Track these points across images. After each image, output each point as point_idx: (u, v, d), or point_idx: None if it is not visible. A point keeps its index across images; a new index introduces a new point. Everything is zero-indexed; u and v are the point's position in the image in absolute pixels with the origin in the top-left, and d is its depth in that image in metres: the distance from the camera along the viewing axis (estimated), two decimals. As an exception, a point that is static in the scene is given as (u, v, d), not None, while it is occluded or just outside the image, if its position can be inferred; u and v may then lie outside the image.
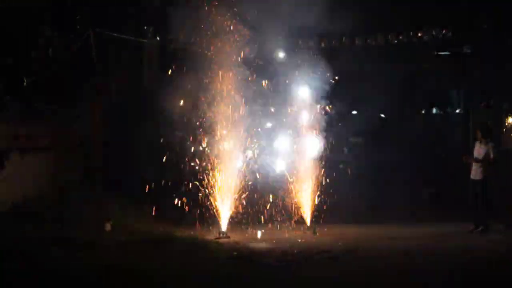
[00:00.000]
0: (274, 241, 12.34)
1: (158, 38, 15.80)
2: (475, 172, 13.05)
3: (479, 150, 13.05)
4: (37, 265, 9.41)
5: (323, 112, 13.94)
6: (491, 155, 12.93)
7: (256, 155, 13.54)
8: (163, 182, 14.39)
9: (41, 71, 13.84)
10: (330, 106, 14.08)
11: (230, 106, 13.07)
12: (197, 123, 13.34)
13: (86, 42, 14.40)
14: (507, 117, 16.19)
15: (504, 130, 16.73)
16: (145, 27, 15.46)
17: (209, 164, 13.14)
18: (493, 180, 13.25)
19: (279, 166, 13.86)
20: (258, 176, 13.51)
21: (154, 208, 13.55)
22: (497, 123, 16.40)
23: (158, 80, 15.26)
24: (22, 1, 13.49)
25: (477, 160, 12.95)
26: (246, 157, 13.35)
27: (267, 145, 13.78)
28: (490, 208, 13.07)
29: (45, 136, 13.96)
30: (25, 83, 13.61)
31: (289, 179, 13.76)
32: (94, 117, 14.79)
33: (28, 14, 13.31)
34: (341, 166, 14.80)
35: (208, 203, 13.19)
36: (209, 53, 13.05)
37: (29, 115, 13.66)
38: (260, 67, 13.45)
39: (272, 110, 13.86)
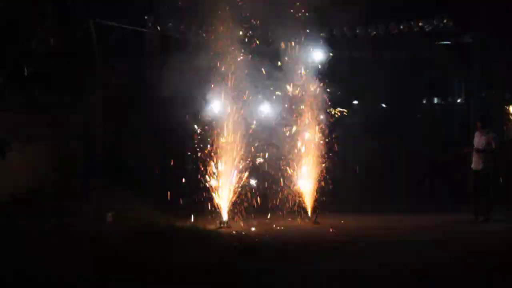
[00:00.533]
0: (275, 231, 12.36)
1: (158, 28, 15.74)
2: (476, 163, 13.03)
3: (480, 140, 13.02)
4: (38, 256, 9.40)
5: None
6: (493, 145, 12.92)
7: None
8: (164, 173, 14.45)
9: (42, 61, 13.82)
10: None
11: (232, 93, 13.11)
12: (199, 112, 13.37)
13: (86, 32, 14.37)
14: (509, 107, 16.13)
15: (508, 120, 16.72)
16: (146, 17, 15.39)
17: (211, 154, 13.16)
18: (496, 170, 13.27)
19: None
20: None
21: (155, 199, 13.57)
22: (498, 113, 16.39)
23: (159, 69, 15.22)
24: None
25: (478, 150, 12.94)
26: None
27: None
28: (492, 198, 13.06)
29: (46, 126, 13.95)
30: (25, 73, 13.59)
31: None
32: (95, 107, 14.77)
33: (29, 5, 13.28)
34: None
35: (209, 192, 13.20)
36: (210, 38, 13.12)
37: (30, 105, 13.66)
38: (260, 51, 13.48)
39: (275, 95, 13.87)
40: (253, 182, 13.48)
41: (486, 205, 12.98)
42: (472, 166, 13.10)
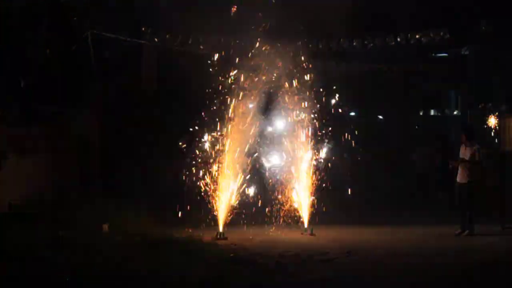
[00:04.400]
0: (272, 242, 12.33)
1: (156, 39, 15.80)
2: (461, 176, 12.96)
3: (464, 152, 12.99)
4: (34, 267, 9.39)
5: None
6: (476, 157, 12.90)
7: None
8: (161, 184, 14.45)
9: (39, 73, 13.85)
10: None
11: (232, 105, 13.12)
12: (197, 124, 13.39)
13: (84, 43, 14.42)
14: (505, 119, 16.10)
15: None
16: (143, 29, 15.45)
17: (207, 166, 13.16)
18: (479, 183, 13.22)
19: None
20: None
21: (152, 209, 13.57)
22: (495, 125, 16.42)
23: (157, 81, 15.31)
24: (20, 2, 13.50)
25: (463, 161, 12.88)
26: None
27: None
28: (473, 211, 12.97)
29: (43, 137, 13.96)
30: (22, 85, 13.62)
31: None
32: (92, 118, 14.80)
33: (26, 16, 13.34)
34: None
35: (206, 204, 13.20)
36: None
37: (27, 116, 13.68)
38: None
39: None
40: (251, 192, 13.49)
41: (468, 218, 12.89)
42: (457, 179, 13.04)
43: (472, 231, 12.85)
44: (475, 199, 13.00)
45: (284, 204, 13.74)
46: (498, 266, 10.12)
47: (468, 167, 12.86)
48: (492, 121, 15.84)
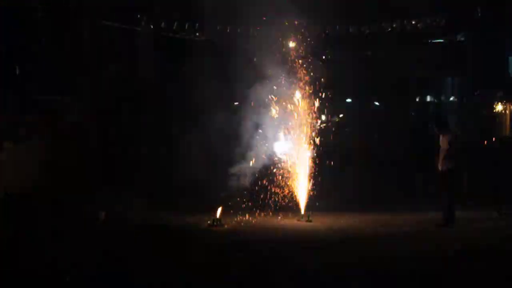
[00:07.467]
0: (268, 229, 12.36)
1: (152, 26, 15.77)
2: (441, 164, 12.77)
3: (443, 141, 12.81)
4: (30, 255, 9.41)
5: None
6: (453, 145, 12.70)
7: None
8: (157, 170, 14.47)
9: (35, 60, 13.82)
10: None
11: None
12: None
13: (79, 31, 14.38)
14: (498, 104, 16.12)
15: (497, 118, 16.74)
16: (139, 16, 15.40)
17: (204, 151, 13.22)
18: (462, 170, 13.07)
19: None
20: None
21: (149, 197, 13.59)
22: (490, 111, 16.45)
23: (152, 68, 15.27)
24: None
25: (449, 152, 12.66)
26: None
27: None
28: (453, 200, 12.86)
29: (40, 124, 13.95)
30: (17, 72, 13.60)
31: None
32: (88, 105, 14.78)
33: (21, 4, 13.29)
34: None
35: (203, 190, 13.24)
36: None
37: (24, 104, 13.66)
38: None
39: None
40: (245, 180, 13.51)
41: (449, 207, 12.54)
42: (439, 166, 12.82)
43: (451, 219, 12.40)
44: (455, 187, 12.82)
45: (281, 190, 13.79)
46: (491, 253, 10.17)
47: (446, 155, 12.64)
48: (499, 107, 15.84)
